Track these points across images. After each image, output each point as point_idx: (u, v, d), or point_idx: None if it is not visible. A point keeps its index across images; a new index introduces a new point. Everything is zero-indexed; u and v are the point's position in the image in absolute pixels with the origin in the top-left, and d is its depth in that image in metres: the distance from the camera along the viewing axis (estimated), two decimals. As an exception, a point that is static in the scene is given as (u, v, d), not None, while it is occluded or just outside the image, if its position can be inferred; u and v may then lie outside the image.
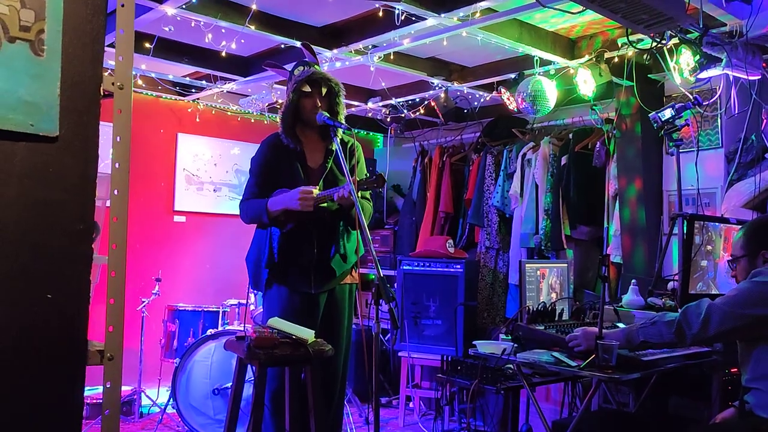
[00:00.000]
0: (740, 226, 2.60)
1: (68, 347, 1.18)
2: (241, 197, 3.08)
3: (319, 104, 2.91)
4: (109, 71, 1.46)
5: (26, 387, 1.15)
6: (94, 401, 4.22)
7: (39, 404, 1.16)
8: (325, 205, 2.90)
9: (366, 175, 2.92)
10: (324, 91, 2.95)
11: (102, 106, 1.42)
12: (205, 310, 4.56)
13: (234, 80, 4.69)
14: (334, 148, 2.94)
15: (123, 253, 1.46)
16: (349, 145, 3.05)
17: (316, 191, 2.83)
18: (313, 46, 3.84)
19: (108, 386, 1.44)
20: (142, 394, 4.51)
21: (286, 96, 2.98)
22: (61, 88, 1.16)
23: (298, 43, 3.84)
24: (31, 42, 1.12)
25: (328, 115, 2.88)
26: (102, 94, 1.40)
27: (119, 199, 1.46)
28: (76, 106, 1.19)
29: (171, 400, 4.20)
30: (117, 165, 1.47)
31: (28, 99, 1.11)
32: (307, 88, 2.89)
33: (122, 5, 1.48)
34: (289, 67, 3.08)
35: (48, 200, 1.15)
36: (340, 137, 2.89)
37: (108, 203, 1.48)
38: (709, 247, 3.18)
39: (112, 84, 1.43)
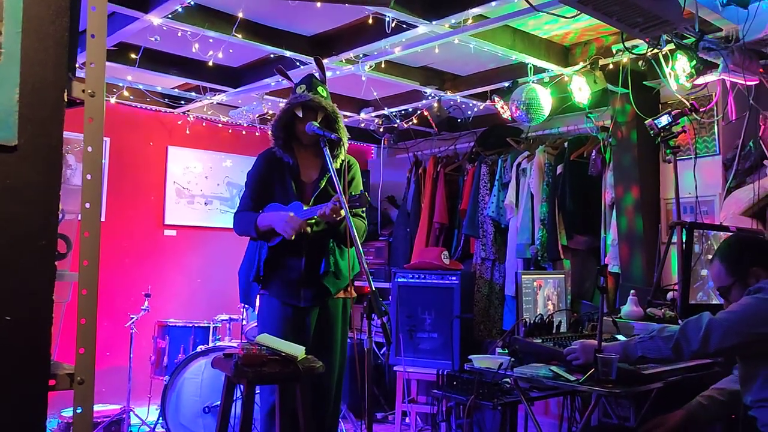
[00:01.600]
0: (710, 257, 2.52)
1: (30, 371, 1.10)
2: (235, 209, 3.10)
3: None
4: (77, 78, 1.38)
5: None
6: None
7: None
8: (313, 221, 2.86)
9: (362, 191, 2.85)
10: (320, 117, 2.92)
11: (74, 116, 1.35)
12: (196, 325, 4.46)
13: (224, 91, 4.63)
14: (335, 167, 2.89)
15: (95, 270, 1.38)
16: (346, 161, 3.01)
17: (299, 218, 2.79)
18: (303, 56, 3.80)
19: (79, 412, 1.36)
20: (131, 413, 4.39)
21: (279, 109, 2.97)
22: (20, 94, 1.08)
23: (287, 53, 3.78)
24: (-13, 45, 1.04)
25: (317, 125, 2.82)
26: (72, 102, 1.32)
27: (91, 212, 1.38)
28: (37, 114, 1.11)
29: (160, 419, 4.10)
30: (89, 176, 1.39)
31: (-17, 106, 1.04)
32: (300, 113, 2.89)
33: (93, 9, 1.41)
34: (296, 78, 3.08)
35: (6, 214, 1.07)
36: (339, 155, 2.91)
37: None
38: (709, 257, 3.11)
39: (83, 91, 1.36)
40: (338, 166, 2.92)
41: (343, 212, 2.65)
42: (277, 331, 2.79)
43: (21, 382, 1.09)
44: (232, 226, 3.06)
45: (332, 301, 3.01)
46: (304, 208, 2.87)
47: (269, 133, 2.97)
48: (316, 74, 3.04)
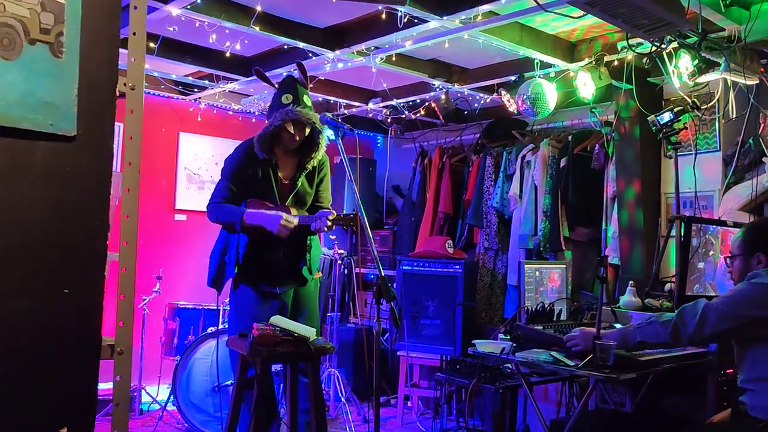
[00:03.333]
0: (708, 251, 2.64)
1: (85, 341, 1.21)
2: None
3: (298, 140, 3.05)
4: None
5: (46, 379, 1.18)
6: (100, 397, 4.23)
7: (58, 396, 1.19)
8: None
9: (353, 211, 3.01)
10: (308, 131, 3.07)
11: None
12: (206, 308, 4.58)
13: (236, 80, 4.72)
14: (310, 167, 3.16)
15: (134, 249, 1.50)
16: (318, 159, 3.18)
17: (295, 221, 2.98)
18: (316, 47, 3.89)
19: (118, 380, 1.48)
20: (143, 391, 4.53)
21: (268, 115, 3.08)
22: (78, 88, 1.19)
23: (301, 44, 3.87)
24: (51, 44, 1.15)
25: (330, 115, 2.93)
26: (117, 95, 1.43)
27: (130, 197, 1.50)
28: (92, 107, 1.22)
29: (171, 397, 4.23)
30: (129, 163, 1.51)
31: (48, 99, 1.15)
32: (291, 129, 3.01)
33: (135, 8, 1.51)
34: (276, 78, 3.19)
35: (67, 199, 1.18)
36: (317, 155, 3.12)
37: (117, 201, 1.52)
38: (706, 250, 3.22)
39: (125, 85, 1.47)
40: (315, 165, 3.15)
41: (326, 228, 2.92)
42: (256, 317, 2.91)
43: (77, 351, 1.21)
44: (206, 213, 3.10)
45: (306, 284, 3.22)
46: (295, 221, 3.01)
47: (256, 135, 3.06)
48: (295, 73, 3.13)
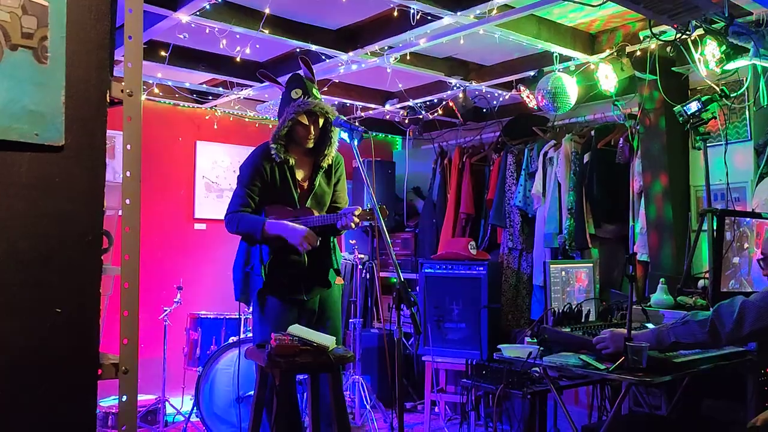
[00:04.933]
0: (743, 244, 2.52)
1: (80, 360, 1.15)
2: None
3: (313, 134, 2.98)
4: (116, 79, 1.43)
5: (38, 401, 1.12)
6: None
7: (51, 418, 1.13)
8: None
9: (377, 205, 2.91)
10: (321, 121, 3.00)
11: (113, 115, 1.40)
12: (227, 317, 4.54)
13: (250, 86, 4.68)
14: (326, 165, 3.09)
15: (136, 263, 1.43)
16: (334, 159, 3.12)
17: (317, 240, 2.92)
18: (329, 50, 3.83)
19: (124, 400, 1.41)
20: (167, 402, 4.50)
21: (279, 114, 3.01)
22: (65, 95, 1.13)
23: (313, 47, 3.81)
24: (34, 49, 1.09)
25: (344, 118, 2.89)
26: (111, 101, 1.37)
27: (131, 208, 1.43)
28: (81, 114, 1.16)
29: (195, 408, 4.19)
30: (128, 173, 1.44)
31: (33, 108, 1.08)
32: (305, 120, 2.95)
33: (130, 11, 1.45)
34: (283, 78, 3.11)
35: (56, 211, 1.12)
36: (330, 153, 3.05)
37: (120, 213, 1.45)
38: (743, 244, 3.08)
39: (121, 91, 1.40)
40: (329, 163, 3.08)
41: (353, 225, 2.82)
42: (283, 326, 2.82)
43: (72, 371, 1.14)
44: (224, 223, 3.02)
45: (330, 290, 3.15)
46: (307, 206, 2.98)
47: (271, 136, 2.99)
48: (301, 72, 3.07)
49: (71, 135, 1.13)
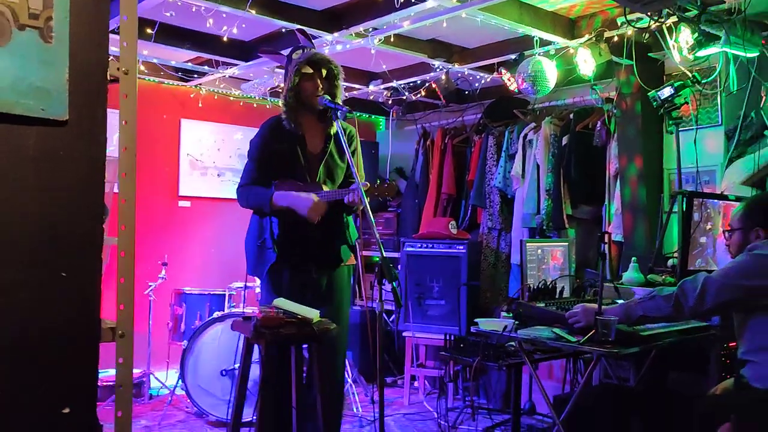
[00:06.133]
0: (709, 225, 2.64)
1: (84, 325, 1.23)
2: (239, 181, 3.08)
3: (320, 86, 2.94)
4: (112, 57, 1.50)
5: (46, 363, 1.20)
6: (104, 383, 4.28)
7: (58, 380, 1.21)
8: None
9: (391, 180, 2.92)
10: (324, 72, 2.97)
11: (108, 92, 1.47)
12: (212, 293, 4.61)
13: (236, 65, 4.71)
14: (333, 132, 2.99)
15: (132, 233, 1.51)
16: (347, 132, 3.03)
17: (325, 205, 2.88)
18: (314, 30, 3.88)
19: (120, 362, 1.50)
20: (151, 376, 4.58)
21: (285, 80, 3.00)
22: (69, 73, 1.20)
23: (298, 27, 3.85)
24: (40, 29, 1.15)
25: (329, 98, 2.92)
26: (108, 79, 1.44)
27: (127, 181, 1.51)
28: (83, 91, 1.23)
29: (180, 381, 4.28)
30: (124, 148, 1.52)
31: (39, 84, 1.15)
32: (309, 70, 2.91)
33: (125, -9, 1.51)
34: (285, 52, 3.10)
35: (61, 183, 1.19)
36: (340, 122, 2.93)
37: (116, 186, 1.53)
38: (708, 225, 3.21)
39: (117, 69, 1.47)
40: (334, 132, 3.00)
41: (359, 200, 2.80)
42: (290, 300, 2.89)
43: (77, 333, 1.22)
44: (236, 198, 3.05)
45: (340, 269, 3.12)
46: (317, 180, 2.95)
47: (280, 103, 2.99)
48: (303, 45, 3.05)
49: (75, 110, 1.20)
